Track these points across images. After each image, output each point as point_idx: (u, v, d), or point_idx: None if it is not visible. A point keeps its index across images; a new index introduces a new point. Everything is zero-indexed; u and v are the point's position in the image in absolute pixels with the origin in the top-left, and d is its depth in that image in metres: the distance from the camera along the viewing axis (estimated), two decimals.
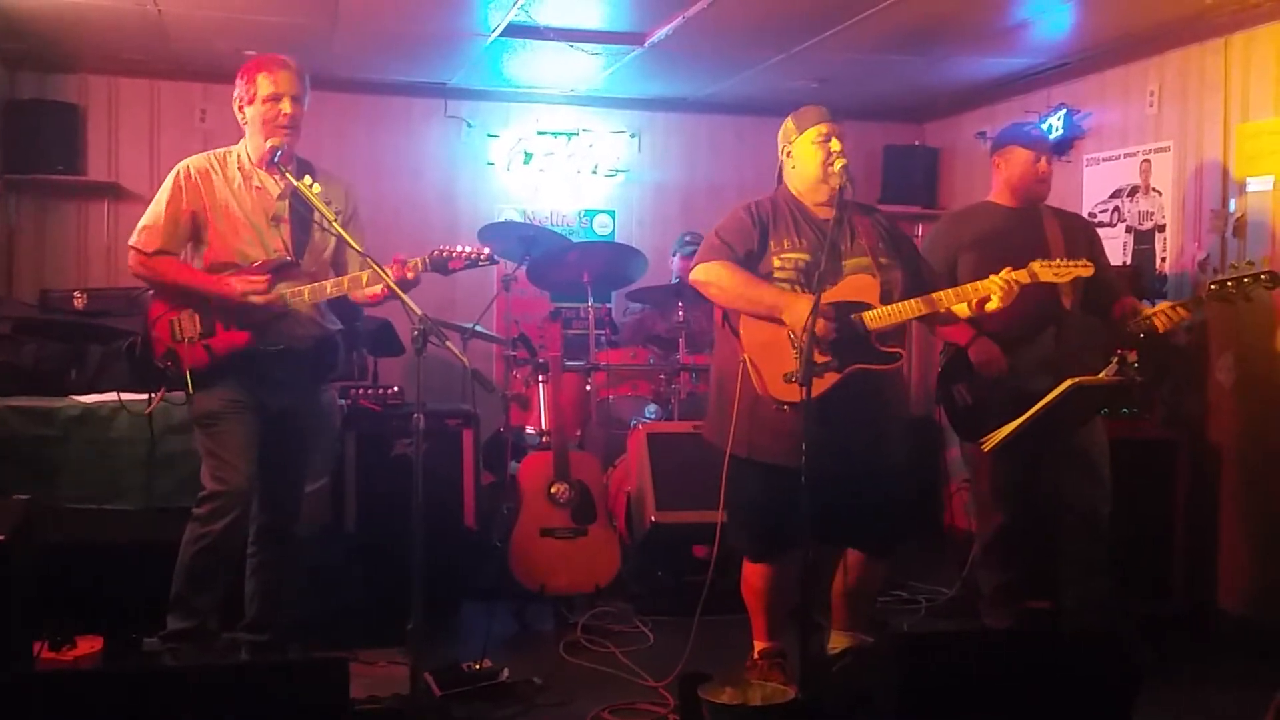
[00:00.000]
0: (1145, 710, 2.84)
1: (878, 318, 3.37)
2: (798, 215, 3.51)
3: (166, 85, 6.02)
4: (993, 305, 3.35)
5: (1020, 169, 4.03)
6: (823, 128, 3.48)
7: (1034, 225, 4.00)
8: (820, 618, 3.61)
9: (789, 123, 3.58)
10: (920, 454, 6.15)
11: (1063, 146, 5.54)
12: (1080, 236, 4.03)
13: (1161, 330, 3.76)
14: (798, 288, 3.39)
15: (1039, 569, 4.05)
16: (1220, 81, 4.68)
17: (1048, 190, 4.08)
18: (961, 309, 3.40)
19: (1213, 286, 3.56)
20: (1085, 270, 3.42)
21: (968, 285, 3.38)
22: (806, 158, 3.50)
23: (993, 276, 3.35)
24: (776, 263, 3.44)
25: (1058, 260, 3.42)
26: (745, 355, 3.41)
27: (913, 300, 3.40)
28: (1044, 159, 4.02)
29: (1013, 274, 3.33)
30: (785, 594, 3.59)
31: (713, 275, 3.45)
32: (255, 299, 3.47)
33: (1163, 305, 3.78)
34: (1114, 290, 4.00)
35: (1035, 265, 3.39)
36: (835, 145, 3.46)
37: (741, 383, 3.42)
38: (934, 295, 3.41)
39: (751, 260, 3.45)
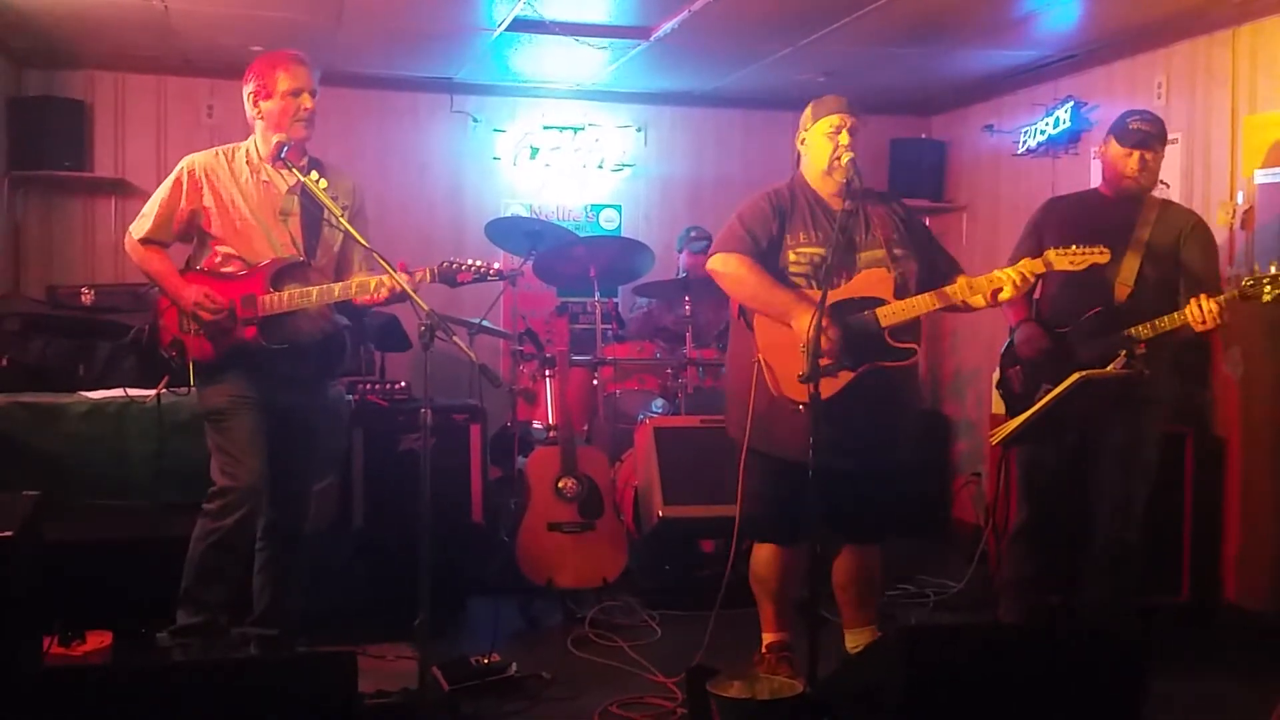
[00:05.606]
0: (1152, 704, 2.83)
1: (891, 314, 3.36)
2: (814, 206, 3.49)
3: (173, 81, 6.01)
4: (1006, 295, 3.33)
5: (1109, 159, 3.93)
6: (835, 119, 3.47)
7: (1128, 215, 3.88)
8: (826, 613, 3.62)
9: (808, 109, 3.56)
10: (928, 448, 6.17)
11: (1068, 139, 5.53)
12: (1172, 232, 3.86)
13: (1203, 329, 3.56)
14: (813, 283, 3.38)
15: (1056, 564, 4.04)
16: (1228, 74, 4.66)
17: (1136, 184, 3.87)
18: (978, 300, 3.37)
19: (1248, 284, 3.44)
20: (1101, 257, 3.38)
21: (981, 278, 3.36)
22: (817, 148, 3.49)
23: (1007, 269, 3.35)
24: (792, 256, 3.44)
25: (1073, 248, 3.38)
26: (760, 355, 3.41)
27: (926, 295, 3.39)
28: (1136, 153, 3.83)
29: (1029, 264, 3.33)
30: (792, 583, 3.61)
31: (731, 268, 3.43)
32: (204, 313, 3.46)
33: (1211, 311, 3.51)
34: (1200, 289, 3.66)
35: (1050, 254, 3.38)
36: (844, 139, 3.44)
37: (756, 380, 3.42)
38: (945, 289, 3.39)
39: (771, 249, 3.44)
